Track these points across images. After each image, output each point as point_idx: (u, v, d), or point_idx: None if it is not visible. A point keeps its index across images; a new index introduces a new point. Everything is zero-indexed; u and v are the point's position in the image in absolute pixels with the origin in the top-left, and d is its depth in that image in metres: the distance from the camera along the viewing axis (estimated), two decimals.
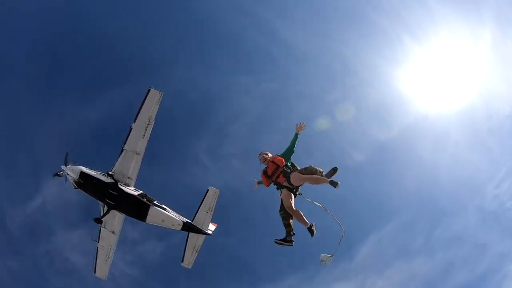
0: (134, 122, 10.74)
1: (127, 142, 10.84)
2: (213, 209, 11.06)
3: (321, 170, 8.08)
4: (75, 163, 11.24)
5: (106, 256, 12.10)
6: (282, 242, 8.01)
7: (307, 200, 8.26)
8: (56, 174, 11.27)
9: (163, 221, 10.91)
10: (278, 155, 8.28)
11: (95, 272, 12.48)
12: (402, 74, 35.68)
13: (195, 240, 11.26)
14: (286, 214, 8.05)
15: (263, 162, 8.34)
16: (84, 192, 11.18)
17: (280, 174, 8.13)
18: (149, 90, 10.56)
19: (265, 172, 8.30)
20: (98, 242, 11.80)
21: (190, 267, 11.60)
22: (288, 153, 8.26)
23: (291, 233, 7.98)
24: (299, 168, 8.21)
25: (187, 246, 11.32)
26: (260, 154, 8.47)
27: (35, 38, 29.83)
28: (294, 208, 7.93)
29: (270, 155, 8.38)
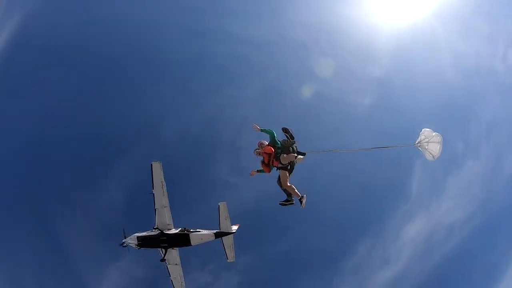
0: (153, 189, 15.88)
1: (155, 203, 15.96)
2: (227, 216, 15.97)
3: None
4: (129, 233, 16.35)
5: (180, 284, 16.97)
6: (284, 203, 9.87)
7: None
8: (121, 245, 16.32)
9: (201, 239, 15.82)
10: (267, 145, 9.78)
11: None
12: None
13: (227, 240, 16.07)
14: (281, 183, 9.86)
15: (258, 156, 9.87)
16: (145, 248, 16.20)
17: (273, 159, 9.68)
18: (151, 165, 15.77)
19: (263, 162, 9.81)
20: (170, 276, 16.71)
21: (234, 260, 16.46)
22: (271, 139, 9.75)
23: (290, 195, 9.83)
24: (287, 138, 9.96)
25: (224, 247, 16.13)
26: (254, 151, 9.99)
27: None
28: (288, 184, 9.71)
29: (264, 143, 9.91)
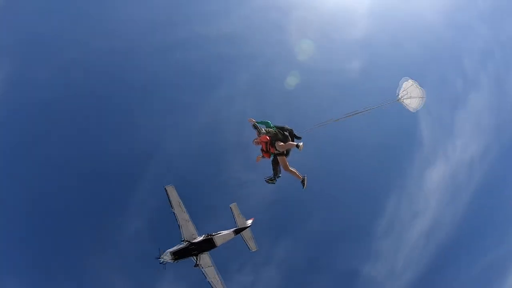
0: (173, 209, 18.48)
1: (178, 220, 18.54)
2: (240, 214, 18.48)
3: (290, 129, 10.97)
4: (164, 250, 18.93)
5: (218, 282, 19.45)
6: (268, 180, 11.00)
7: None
8: (160, 263, 18.89)
9: (224, 239, 18.35)
10: (263, 134, 10.73)
11: None
12: None
13: (246, 234, 18.62)
14: (274, 164, 10.94)
15: (257, 145, 10.76)
16: (180, 260, 18.74)
17: (270, 146, 10.58)
18: (165, 188, 18.39)
19: (262, 150, 10.73)
20: (207, 278, 19.20)
21: (256, 249, 18.97)
22: (268, 128, 10.91)
23: (276, 175, 10.93)
24: (280, 127, 10.98)
25: (245, 240, 18.67)
26: (252, 141, 10.90)
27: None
28: (290, 168, 10.77)
29: (260, 134, 10.83)
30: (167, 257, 18.66)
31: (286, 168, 10.88)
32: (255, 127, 11.18)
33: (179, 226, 18.48)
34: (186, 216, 18.41)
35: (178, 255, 18.49)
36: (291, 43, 41.71)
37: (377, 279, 40.51)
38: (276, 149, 10.56)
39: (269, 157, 10.93)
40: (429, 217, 42.09)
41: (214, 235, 18.39)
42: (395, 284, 40.37)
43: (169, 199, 18.45)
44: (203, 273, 19.06)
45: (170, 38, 40.44)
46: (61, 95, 38.06)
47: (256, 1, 42.05)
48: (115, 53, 39.51)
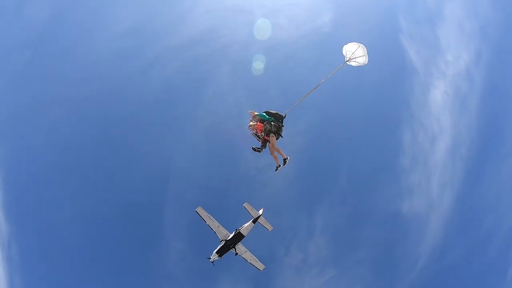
0: (206, 223, 25.73)
1: (212, 228, 25.76)
2: (252, 208, 25.54)
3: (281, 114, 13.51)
4: (211, 253, 26.19)
5: (255, 261, 26.50)
6: (256, 148, 13.45)
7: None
8: (211, 262, 26.06)
9: (248, 229, 25.47)
10: (259, 123, 13.48)
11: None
12: None
13: (261, 220, 25.69)
14: (264, 142, 13.57)
15: (253, 130, 13.61)
16: (223, 255, 25.89)
17: (264, 134, 13.40)
18: (196, 211, 25.67)
19: (256, 135, 13.66)
20: (247, 261, 26.30)
21: (272, 228, 26.06)
22: (262, 117, 13.48)
23: (263, 146, 13.51)
24: (272, 112, 13.48)
25: (262, 224, 25.75)
26: (249, 128, 13.68)
27: None
28: (276, 147, 13.31)
29: (253, 113, 13.60)
30: (214, 256, 25.87)
31: (272, 153, 13.62)
32: (255, 118, 13.54)
33: (214, 232, 25.74)
34: (217, 223, 25.67)
35: (221, 252, 25.69)
36: (255, 18, 42.96)
37: (420, 213, 42.19)
38: (268, 137, 13.39)
39: (260, 132, 13.63)
40: (446, 136, 42.56)
41: (240, 229, 25.58)
42: (439, 211, 41.77)
43: (201, 218, 25.75)
44: (243, 258, 26.24)
45: (144, 61, 42.23)
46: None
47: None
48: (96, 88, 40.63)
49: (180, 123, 44.70)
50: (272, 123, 13.50)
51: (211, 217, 25.65)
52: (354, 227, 43.11)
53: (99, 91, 41.91)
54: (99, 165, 42.18)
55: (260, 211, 25.95)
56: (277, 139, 13.52)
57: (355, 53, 12.66)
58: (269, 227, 26.03)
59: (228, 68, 44.51)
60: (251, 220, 25.58)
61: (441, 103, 43.36)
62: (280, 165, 13.69)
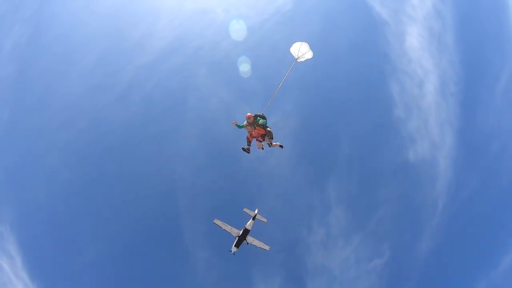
0: (223, 228, 37.93)
1: (227, 231, 37.93)
2: (250, 210, 37.59)
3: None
4: (231, 247, 38.23)
5: (263, 244, 38.45)
6: (245, 149, 17.47)
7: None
8: (233, 254, 38.02)
9: (250, 225, 37.26)
10: (258, 127, 16.76)
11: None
12: None
13: (258, 217, 37.64)
14: (248, 142, 17.46)
15: (252, 131, 16.89)
16: (240, 246, 37.85)
17: (259, 136, 17.03)
18: (214, 223, 37.88)
19: (251, 136, 17.16)
20: (257, 246, 38.23)
21: (266, 220, 38.04)
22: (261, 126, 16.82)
23: (249, 146, 17.32)
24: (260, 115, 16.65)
25: (259, 219, 37.73)
26: (245, 127, 16.86)
27: None
28: (251, 138, 17.20)
29: (251, 116, 16.48)
30: (234, 249, 37.67)
31: (259, 147, 17.55)
32: (253, 122, 16.26)
33: (229, 233, 37.74)
34: (229, 226, 37.64)
35: (237, 245, 37.50)
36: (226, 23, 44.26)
37: (427, 157, 42.73)
38: (262, 139, 16.95)
39: (254, 137, 16.98)
40: (432, 77, 42.94)
41: (245, 226, 37.41)
42: (444, 150, 42.33)
43: (219, 226, 37.79)
44: (253, 245, 38.10)
45: (120, 87, 43.10)
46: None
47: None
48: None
49: (172, 136, 45.12)
50: (268, 128, 16.81)
51: (225, 223, 37.73)
52: (367, 189, 44.33)
53: (85, 129, 42.41)
54: (107, 196, 43.11)
55: (256, 211, 37.96)
56: (264, 139, 17.17)
57: (301, 50, 14.37)
58: (264, 219, 38.00)
59: (205, 70, 45.22)
60: (251, 219, 37.64)
61: (419, 46, 43.08)
62: (248, 148, 17.29)
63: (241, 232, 37.64)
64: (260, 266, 42.55)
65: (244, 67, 41.04)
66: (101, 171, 42.81)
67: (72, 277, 39.74)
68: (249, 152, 17.09)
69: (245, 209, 37.74)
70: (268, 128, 16.71)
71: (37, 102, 41.76)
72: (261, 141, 17.22)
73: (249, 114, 16.27)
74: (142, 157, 43.66)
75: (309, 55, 14.74)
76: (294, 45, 14.57)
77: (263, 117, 16.60)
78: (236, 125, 16.70)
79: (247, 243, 37.86)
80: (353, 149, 44.08)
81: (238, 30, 42.38)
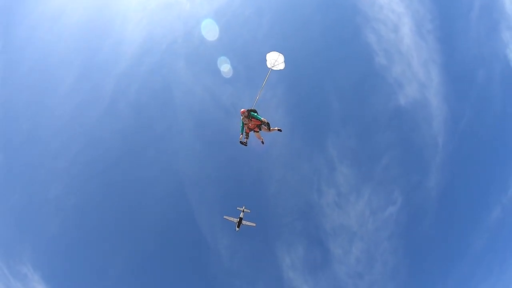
0: (229, 220, 72.12)
1: (233, 221, 71.89)
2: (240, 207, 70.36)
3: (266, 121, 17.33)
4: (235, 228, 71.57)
5: (251, 223, 71.27)
6: (243, 142, 17.48)
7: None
8: (236, 231, 71.22)
9: (243, 214, 70.12)
10: (254, 119, 17.29)
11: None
12: None
13: (245, 214, 69.20)
14: (246, 135, 17.80)
15: (246, 121, 17.23)
16: (239, 227, 71.08)
17: (256, 127, 17.64)
18: (224, 218, 72.12)
19: (248, 128, 17.48)
20: (250, 226, 71.46)
21: (250, 211, 70.38)
22: (255, 117, 17.22)
23: (246, 141, 17.66)
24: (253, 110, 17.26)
25: (242, 210, 68.45)
26: (243, 119, 17.24)
27: None
28: (248, 130, 17.51)
29: (245, 112, 17.06)
30: (237, 229, 68.88)
31: (259, 137, 18.40)
32: (248, 115, 17.01)
33: (233, 222, 70.05)
34: (231, 218, 70.65)
35: (238, 225, 67.86)
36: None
37: (418, 98, 41.73)
38: (258, 129, 17.75)
39: (249, 131, 17.81)
40: (406, 19, 42.02)
41: (240, 216, 66.91)
42: (433, 87, 41.44)
43: (228, 220, 71.10)
44: (246, 225, 70.50)
45: (104, 99, 41.81)
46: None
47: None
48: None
49: (167, 134, 44.29)
50: (262, 118, 17.57)
51: (230, 217, 70.80)
52: (366, 140, 43.65)
53: (82, 150, 40.84)
54: (120, 208, 43.31)
55: (243, 207, 69.06)
56: (261, 129, 17.98)
57: (277, 60, 15.43)
58: (247, 210, 69.78)
59: (182, 62, 43.45)
60: (240, 215, 67.37)
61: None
62: (245, 141, 17.67)
63: (237, 219, 69.99)
64: (281, 240, 44.71)
65: (225, 67, 40.38)
66: (108, 186, 41.77)
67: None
68: (246, 145, 17.37)
69: (238, 207, 70.69)
70: (262, 118, 17.44)
71: (27, 136, 40.25)
72: (258, 131, 17.85)
73: (243, 110, 17.04)
74: (144, 161, 42.82)
75: (282, 66, 15.45)
76: (270, 54, 15.42)
77: (254, 111, 17.41)
78: (241, 128, 17.66)
79: (243, 224, 70.72)
80: (343, 105, 42.92)
81: (210, 29, 41.16)
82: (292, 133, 41.89)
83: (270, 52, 15.65)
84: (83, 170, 42.54)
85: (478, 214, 42.66)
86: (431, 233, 42.12)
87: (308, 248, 44.03)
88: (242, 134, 17.88)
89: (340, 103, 43.60)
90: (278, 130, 17.72)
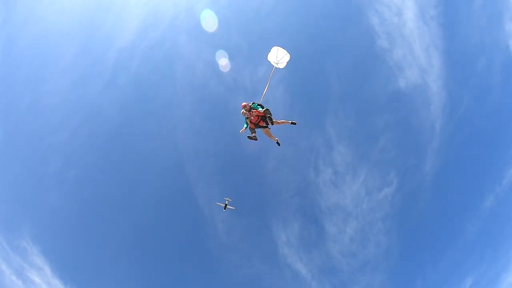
0: (218, 204, 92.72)
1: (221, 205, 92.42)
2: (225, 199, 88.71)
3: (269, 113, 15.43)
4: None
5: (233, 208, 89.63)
6: (251, 137, 15.77)
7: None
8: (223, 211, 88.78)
9: (227, 201, 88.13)
10: (255, 110, 15.50)
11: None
12: None
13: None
14: (252, 131, 15.94)
15: (250, 117, 15.47)
16: (225, 210, 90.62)
17: (261, 120, 15.68)
18: (217, 204, 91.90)
19: (251, 123, 15.68)
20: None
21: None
22: (255, 107, 15.64)
23: (254, 135, 15.85)
24: (263, 106, 15.56)
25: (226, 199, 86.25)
26: (242, 114, 15.58)
27: None
28: (271, 136, 16.09)
29: (246, 105, 15.35)
30: (223, 211, 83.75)
31: (269, 135, 16.60)
32: (250, 108, 15.59)
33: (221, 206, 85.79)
34: (220, 203, 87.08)
35: (225, 208, 73.68)
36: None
37: (418, 82, 41.28)
38: (264, 123, 16.00)
39: (254, 127, 15.97)
40: (411, 2, 40.39)
41: (226, 201, 75.15)
42: (433, 72, 40.62)
43: (219, 205, 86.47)
44: (230, 208, 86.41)
45: (105, 75, 40.98)
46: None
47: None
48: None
49: (168, 109, 44.03)
50: (267, 109, 15.85)
51: (220, 203, 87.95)
52: (364, 121, 43.25)
53: (81, 123, 40.51)
54: (120, 183, 43.21)
55: (227, 198, 66.76)
56: (266, 125, 16.19)
57: (278, 56, 14.46)
58: (230, 200, 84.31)
59: (184, 37, 42.04)
60: (226, 200, 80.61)
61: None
62: (253, 135, 16.15)
63: (224, 205, 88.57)
64: (277, 217, 44.31)
65: (223, 61, 39.65)
66: (108, 160, 41.59)
67: (101, 266, 40.27)
68: (256, 139, 16.14)
69: (217, 203, 78.73)
70: (260, 108, 16.27)
71: (27, 110, 39.85)
72: (266, 127, 16.43)
73: (244, 103, 16.08)
74: (145, 136, 42.66)
75: (286, 58, 14.66)
76: (270, 52, 14.66)
77: (260, 105, 16.51)
78: (245, 125, 16.51)
79: (228, 207, 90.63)
80: (343, 86, 42.12)
81: (209, 20, 39.94)
82: (292, 111, 43.12)
83: (278, 48, 14.79)
84: (83, 143, 42.04)
85: (471, 201, 43.12)
86: (425, 216, 44.08)
87: (303, 225, 47.51)
88: (245, 128, 16.48)
89: (340, 83, 43.62)
90: (292, 123, 16.42)
